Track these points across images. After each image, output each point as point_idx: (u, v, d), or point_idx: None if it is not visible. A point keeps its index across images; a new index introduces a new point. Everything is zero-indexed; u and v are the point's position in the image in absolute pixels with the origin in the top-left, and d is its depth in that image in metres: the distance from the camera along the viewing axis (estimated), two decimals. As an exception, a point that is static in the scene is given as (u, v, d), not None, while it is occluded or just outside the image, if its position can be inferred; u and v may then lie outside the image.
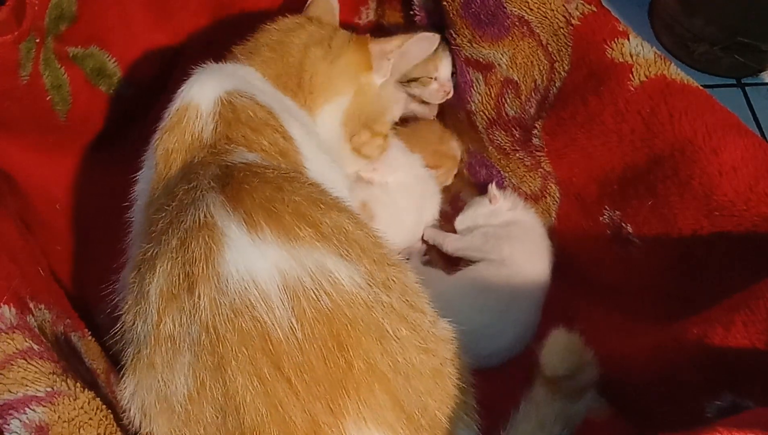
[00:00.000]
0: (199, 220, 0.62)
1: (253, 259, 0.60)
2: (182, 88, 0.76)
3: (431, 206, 1.06)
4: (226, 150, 0.70)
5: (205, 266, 0.60)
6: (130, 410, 0.62)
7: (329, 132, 0.86)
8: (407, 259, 1.02)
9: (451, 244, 1.02)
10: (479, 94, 1.00)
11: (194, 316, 0.59)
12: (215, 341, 0.58)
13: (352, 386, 0.59)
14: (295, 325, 0.58)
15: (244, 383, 0.57)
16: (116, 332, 0.66)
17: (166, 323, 0.60)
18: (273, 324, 0.58)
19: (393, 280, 0.65)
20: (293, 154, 0.74)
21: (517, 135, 0.99)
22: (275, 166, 0.69)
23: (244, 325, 0.58)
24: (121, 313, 0.66)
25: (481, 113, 1.01)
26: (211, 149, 0.70)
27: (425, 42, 0.88)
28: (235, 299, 0.58)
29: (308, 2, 0.94)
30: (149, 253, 0.64)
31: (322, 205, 0.65)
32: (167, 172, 0.71)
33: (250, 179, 0.65)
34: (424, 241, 1.06)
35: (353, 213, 0.68)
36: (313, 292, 0.59)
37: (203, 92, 0.74)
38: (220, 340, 0.58)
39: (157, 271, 0.62)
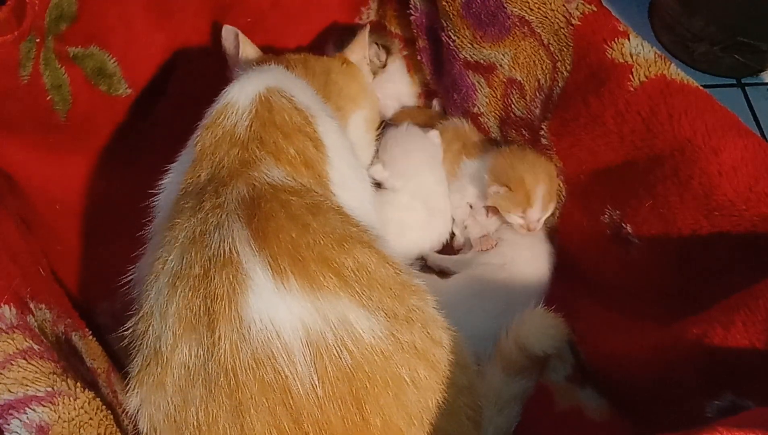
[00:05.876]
0: (224, 252, 0.62)
1: (278, 310, 0.60)
2: (227, 88, 0.77)
3: (440, 226, 1.02)
4: (255, 158, 0.70)
5: (227, 307, 0.60)
6: (138, 421, 0.63)
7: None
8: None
9: (460, 266, 1.00)
10: (485, 96, 1.00)
11: (212, 355, 0.60)
12: (234, 386, 0.59)
13: None
14: (317, 383, 0.59)
15: (262, 432, 0.58)
16: (125, 330, 0.66)
17: (182, 350, 0.61)
18: (294, 379, 0.59)
19: (415, 310, 0.66)
20: (319, 165, 0.74)
21: (527, 135, 0.99)
22: (300, 188, 0.69)
23: (265, 376, 0.59)
24: (133, 314, 0.66)
25: (492, 114, 1.01)
26: (242, 149, 0.71)
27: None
28: (257, 349, 0.59)
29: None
30: (169, 266, 0.65)
31: (346, 244, 0.65)
32: (201, 170, 0.71)
33: (277, 213, 0.65)
34: (428, 266, 1.03)
35: (375, 245, 0.68)
36: (335, 349, 0.60)
37: (244, 90, 0.75)
38: (239, 386, 0.59)
39: (178, 293, 0.62)
